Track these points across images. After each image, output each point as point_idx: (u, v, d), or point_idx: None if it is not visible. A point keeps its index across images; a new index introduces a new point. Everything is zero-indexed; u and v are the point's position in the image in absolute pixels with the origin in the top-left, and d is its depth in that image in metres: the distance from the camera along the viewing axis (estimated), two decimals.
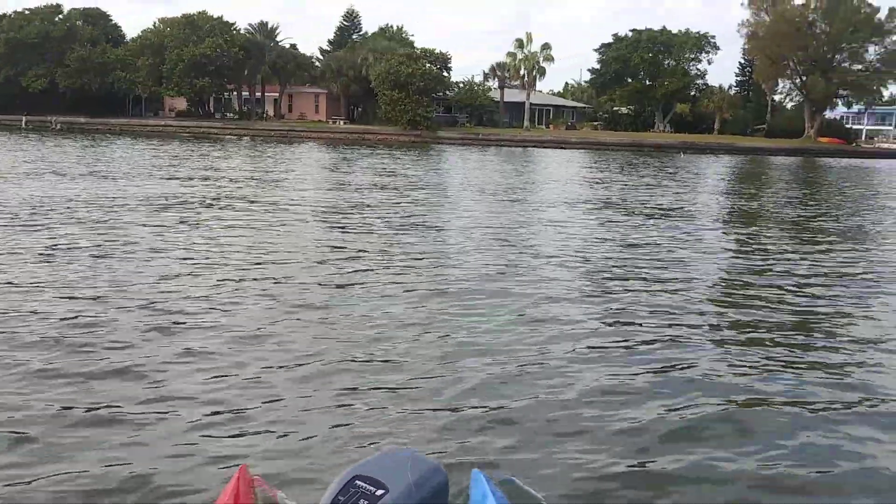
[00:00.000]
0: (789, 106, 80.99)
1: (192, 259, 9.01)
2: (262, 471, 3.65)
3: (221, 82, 66.07)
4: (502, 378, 5.45)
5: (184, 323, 6.49)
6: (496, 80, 70.42)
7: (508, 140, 59.44)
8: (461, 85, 68.89)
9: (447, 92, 66.62)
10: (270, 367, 5.49)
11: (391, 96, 59.34)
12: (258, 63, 65.84)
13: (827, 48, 68.01)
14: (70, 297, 7.05)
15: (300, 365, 5.57)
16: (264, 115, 68.61)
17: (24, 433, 4.30)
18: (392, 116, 59.89)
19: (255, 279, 8.10)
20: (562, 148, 56.74)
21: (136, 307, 6.80)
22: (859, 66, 69.35)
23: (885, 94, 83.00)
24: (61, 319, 6.35)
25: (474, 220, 13.99)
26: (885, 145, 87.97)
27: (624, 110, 74.75)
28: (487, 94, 68.92)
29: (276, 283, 7.98)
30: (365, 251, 9.99)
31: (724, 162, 46.63)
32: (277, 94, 70.43)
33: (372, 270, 8.83)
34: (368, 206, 15.46)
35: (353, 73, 64.22)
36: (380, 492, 1.63)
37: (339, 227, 12.24)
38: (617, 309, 7.42)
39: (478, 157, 39.15)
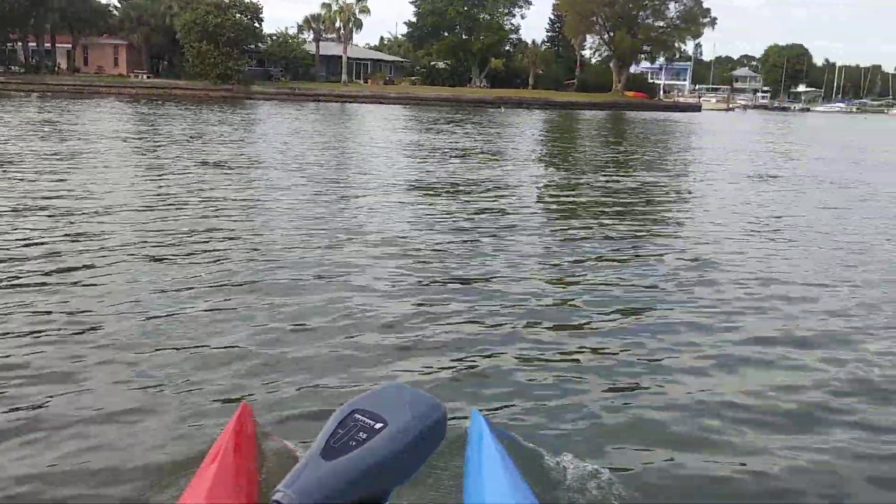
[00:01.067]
0: (594, 62, 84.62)
1: None
2: (261, 408, 3.82)
3: (4, 31, 59.23)
4: (502, 326, 5.61)
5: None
6: (311, 32, 68.02)
7: (326, 95, 57.80)
8: (274, 37, 65.96)
9: (259, 44, 63.53)
10: (268, 312, 5.66)
11: (199, 48, 55.75)
12: (46, 10, 59.51)
13: (632, 5, 71.44)
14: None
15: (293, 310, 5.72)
16: (56, 69, 62.32)
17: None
18: (201, 70, 56.34)
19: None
20: (381, 103, 55.98)
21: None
22: (661, 23, 73.48)
23: (683, 49, 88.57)
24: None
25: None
26: (682, 99, 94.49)
27: (441, 65, 74.70)
28: (302, 48, 66.47)
29: None
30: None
31: (540, 116, 47.76)
32: (70, 46, 64.16)
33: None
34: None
35: (155, 22, 59.64)
36: (378, 425, 1.64)
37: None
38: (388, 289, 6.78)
39: (295, 114, 37.40)
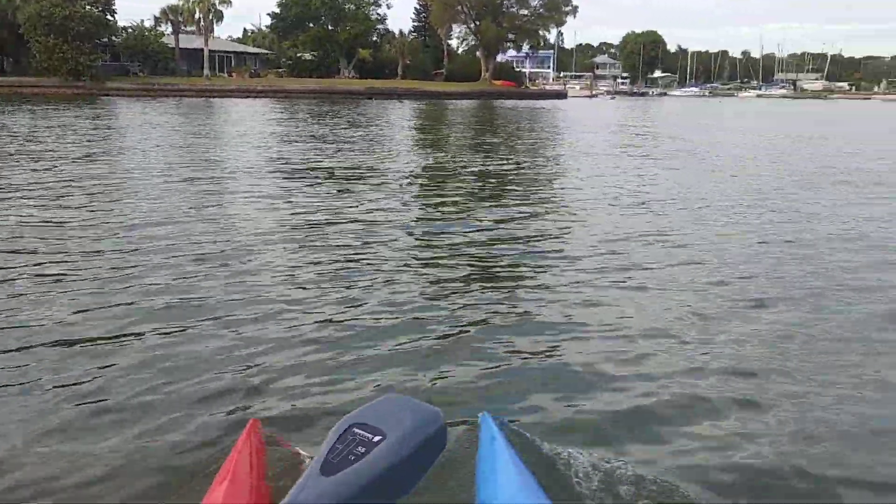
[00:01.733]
0: (462, 51, 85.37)
1: None
2: (269, 423, 3.75)
3: None
4: (502, 330, 5.52)
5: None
6: (169, 24, 64.98)
7: (188, 90, 55.45)
8: (130, 30, 62.66)
9: (114, 38, 60.17)
10: (271, 320, 5.57)
11: (46, 43, 52.21)
12: None
13: None
14: None
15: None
16: None
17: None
18: (49, 66, 52.81)
19: None
20: (248, 97, 54.31)
21: None
22: (525, 12, 74.88)
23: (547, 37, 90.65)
24: None
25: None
26: (548, 87, 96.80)
27: (308, 56, 73.11)
28: (160, 41, 63.41)
29: None
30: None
31: (414, 106, 47.54)
32: None
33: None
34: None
35: None
36: (377, 438, 1.61)
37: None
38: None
39: (153, 111, 35.50)
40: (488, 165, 15.97)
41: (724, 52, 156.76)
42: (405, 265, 7.28)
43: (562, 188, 13.27)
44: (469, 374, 4.67)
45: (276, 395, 4.33)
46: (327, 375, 4.61)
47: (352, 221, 9.29)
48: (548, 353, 5.06)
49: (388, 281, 6.66)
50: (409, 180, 13.35)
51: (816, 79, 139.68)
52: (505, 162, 16.83)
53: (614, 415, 4.15)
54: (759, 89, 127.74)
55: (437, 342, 5.21)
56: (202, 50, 64.26)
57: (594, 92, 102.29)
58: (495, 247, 8.14)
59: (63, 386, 4.37)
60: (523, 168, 15.66)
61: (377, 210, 10.15)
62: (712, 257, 7.73)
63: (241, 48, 77.02)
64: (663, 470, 3.51)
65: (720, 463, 3.66)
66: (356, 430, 1.73)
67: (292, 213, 9.76)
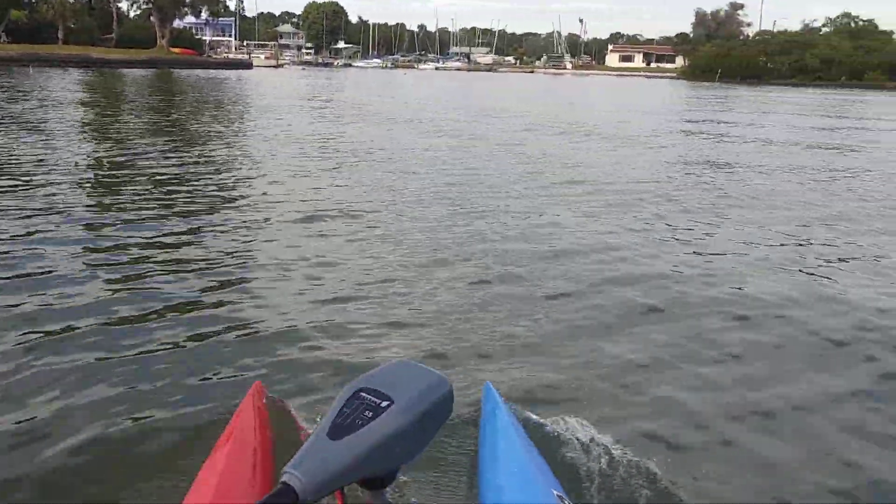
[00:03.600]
0: (133, 15, 79.51)
1: None
2: (273, 386, 3.77)
3: None
4: (515, 302, 5.66)
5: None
6: None
7: None
8: None
9: None
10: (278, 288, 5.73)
11: None
12: None
13: None
14: None
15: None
16: None
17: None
18: None
19: None
20: None
21: None
22: None
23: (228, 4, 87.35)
24: None
25: None
26: (232, 56, 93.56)
27: None
28: None
29: None
30: None
31: (80, 77, 43.03)
32: None
33: None
34: None
35: None
36: (384, 403, 1.64)
37: None
38: None
39: None
40: (177, 154, 14.70)
41: (403, 25, 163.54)
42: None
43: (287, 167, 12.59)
44: (475, 344, 4.78)
45: (281, 360, 4.40)
46: (333, 341, 4.70)
47: None
48: (552, 325, 5.23)
49: (397, 246, 7.12)
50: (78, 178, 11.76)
51: (487, 52, 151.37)
52: (200, 148, 15.63)
53: (620, 386, 4.27)
54: (437, 62, 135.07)
55: (447, 309, 5.40)
56: None
57: (279, 62, 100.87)
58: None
59: (58, 345, 4.46)
60: (231, 154, 14.64)
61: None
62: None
63: None
64: (666, 443, 3.62)
65: (726, 436, 3.77)
66: (363, 395, 1.68)
67: None
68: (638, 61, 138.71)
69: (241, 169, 12.21)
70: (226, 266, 6.37)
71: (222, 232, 7.64)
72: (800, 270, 7.04)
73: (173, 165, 12.22)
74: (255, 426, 2.88)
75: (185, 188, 10.12)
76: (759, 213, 9.91)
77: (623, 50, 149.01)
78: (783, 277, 6.76)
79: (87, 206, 8.71)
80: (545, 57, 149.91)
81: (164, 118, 21.67)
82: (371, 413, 1.66)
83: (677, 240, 8.14)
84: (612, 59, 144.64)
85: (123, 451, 3.39)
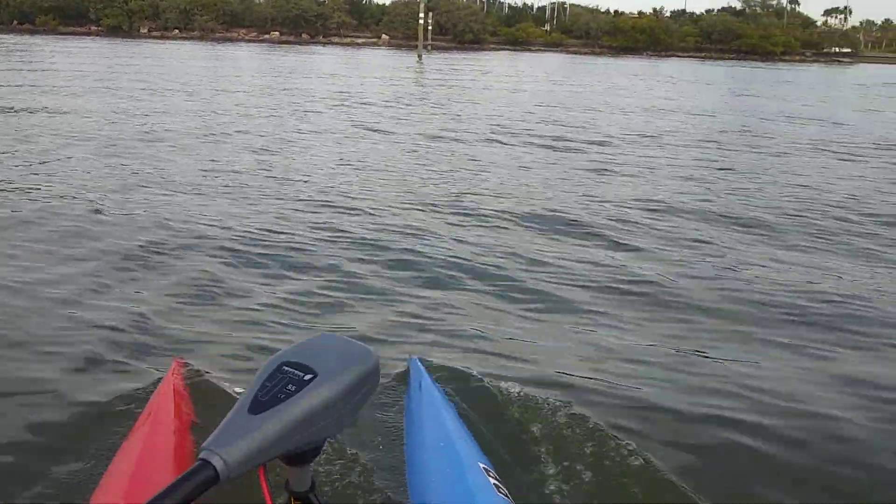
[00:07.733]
0: None
1: None
2: (194, 363, 3.72)
3: None
4: (439, 270, 5.76)
5: None
6: None
7: None
8: None
9: None
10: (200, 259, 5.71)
11: None
12: None
13: None
14: None
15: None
16: None
17: None
18: None
19: None
20: None
21: None
22: None
23: None
24: None
25: None
26: None
27: None
28: None
29: None
30: None
31: None
32: None
33: None
34: None
35: None
36: (308, 376, 1.61)
37: None
38: None
39: None
40: None
41: None
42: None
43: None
44: (403, 319, 4.75)
45: (203, 336, 4.33)
46: (255, 314, 4.64)
47: None
48: (481, 299, 5.22)
49: (330, 223, 7.01)
50: None
51: None
52: None
53: (548, 359, 4.24)
54: None
55: (377, 285, 5.39)
56: None
57: None
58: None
59: None
60: None
61: None
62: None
63: None
64: (597, 405, 3.61)
65: (654, 399, 3.77)
66: (286, 369, 1.62)
67: None
68: None
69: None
70: (150, 240, 6.24)
71: (141, 203, 7.53)
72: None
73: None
74: (174, 404, 2.82)
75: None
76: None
77: None
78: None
79: None
80: None
81: None
82: (294, 387, 1.61)
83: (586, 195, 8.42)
84: None
85: (36, 433, 3.25)
